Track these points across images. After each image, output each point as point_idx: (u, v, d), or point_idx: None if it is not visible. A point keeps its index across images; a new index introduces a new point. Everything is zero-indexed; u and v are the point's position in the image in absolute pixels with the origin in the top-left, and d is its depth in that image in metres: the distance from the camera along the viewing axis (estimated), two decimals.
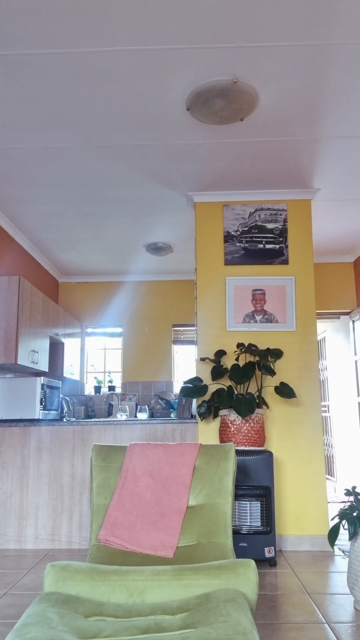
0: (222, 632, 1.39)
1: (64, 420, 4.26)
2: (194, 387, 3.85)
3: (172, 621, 1.54)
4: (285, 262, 4.22)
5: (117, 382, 6.75)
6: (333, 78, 2.88)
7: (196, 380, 3.91)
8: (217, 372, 3.84)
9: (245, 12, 2.41)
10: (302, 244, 4.24)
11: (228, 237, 4.26)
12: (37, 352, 4.89)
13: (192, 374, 6.61)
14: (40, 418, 4.67)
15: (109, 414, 6.28)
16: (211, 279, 4.23)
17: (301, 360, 4.06)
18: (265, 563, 3.44)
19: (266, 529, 3.41)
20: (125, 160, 3.76)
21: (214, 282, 4.22)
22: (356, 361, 5.98)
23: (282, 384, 3.84)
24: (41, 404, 4.70)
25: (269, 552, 3.37)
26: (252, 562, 1.79)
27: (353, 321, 6.02)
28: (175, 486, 2.41)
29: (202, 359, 4.06)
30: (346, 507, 2.62)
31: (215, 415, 3.87)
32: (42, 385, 4.73)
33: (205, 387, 3.84)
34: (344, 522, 2.73)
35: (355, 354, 5.98)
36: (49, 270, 6.33)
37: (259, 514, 3.44)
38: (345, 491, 2.68)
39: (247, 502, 3.45)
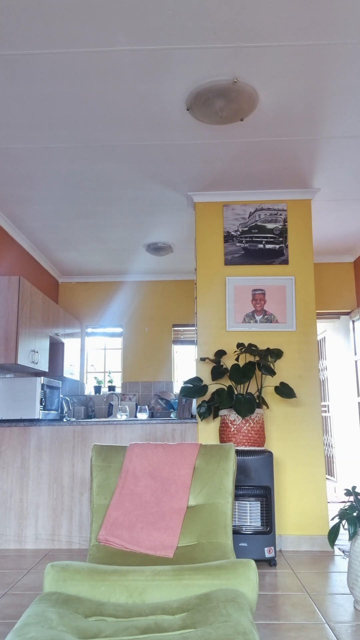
0: (222, 632, 1.39)
1: (64, 420, 4.26)
2: (194, 387, 3.85)
3: (172, 621, 1.54)
4: (285, 262, 4.22)
5: (117, 382, 6.75)
6: (333, 78, 2.88)
7: (196, 380, 3.91)
8: (217, 372, 3.83)
9: (245, 12, 2.41)
10: (302, 244, 4.24)
11: (228, 237, 4.26)
12: (37, 352, 4.89)
13: (192, 374, 6.61)
14: (40, 418, 4.67)
15: (109, 414, 6.28)
16: (211, 279, 4.23)
17: (301, 360, 4.06)
18: (265, 563, 3.44)
19: (266, 529, 3.41)
20: (125, 160, 3.76)
21: (214, 282, 4.22)
22: (356, 361, 5.98)
23: (282, 384, 3.84)
24: (41, 404, 4.70)
25: (269, 552, 3.37)
26: (252, 562, 1.79)
27: (353, 321, 6.02)
28: (175, 486, 2.41)
29: (202, 359, 4.06)
30: (346, 507, 2.62)
31: (215, 415, 3.87)
32: (42, 385, 4.73)
33: (205, 387, 3.84)
34: (344, 522, 2.73)
35: (355, 354, 5.98)
36: (49, 270, 6.33)
37: (259, 514, 3.44)
38: (345, 491, 2.68)
39: (247, 502, 3.45)
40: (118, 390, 6.68)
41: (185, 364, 6.85)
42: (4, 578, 3.18)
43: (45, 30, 2.51)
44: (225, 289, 4.20)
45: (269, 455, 3.50)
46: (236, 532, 3.41)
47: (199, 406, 3.84)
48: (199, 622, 1.49)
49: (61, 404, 5.60)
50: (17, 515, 3.92)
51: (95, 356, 6.93)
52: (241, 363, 4.06)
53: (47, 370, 5.25)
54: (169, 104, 3.10)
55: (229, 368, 3.89)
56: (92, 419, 4.63)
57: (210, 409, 3.83)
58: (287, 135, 3.46)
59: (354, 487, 2.66)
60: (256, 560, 3.48)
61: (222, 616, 1.49)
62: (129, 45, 2.61)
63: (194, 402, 4.10)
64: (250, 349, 3.86)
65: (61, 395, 5.76)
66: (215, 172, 3.96)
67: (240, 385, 3.90)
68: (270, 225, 4.26)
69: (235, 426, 3.63)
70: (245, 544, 3.38)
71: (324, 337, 6.77)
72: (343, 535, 4.07)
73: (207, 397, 4.04)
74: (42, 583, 3.08)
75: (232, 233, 4.26)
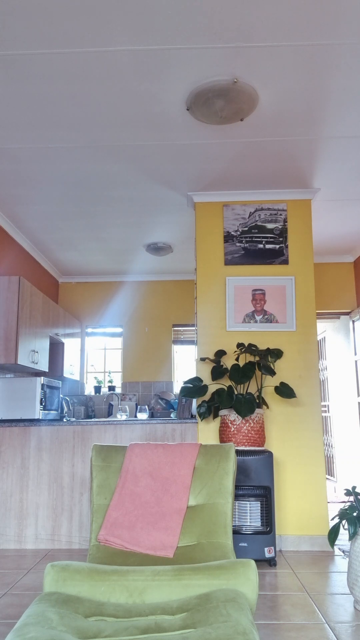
0: (222, 632, 1.39)
1: (64, 420, 4.26)
2: (194, 387, 3.85)
3: (172, 621, 1.54)
4: (285, 262, 4.22)
5: (117, 382, 6.75)
6: (333, 78, 2.88)
7: (196, 380, 3.91)
8: (217, 372, 3.83)
9: (245, 12, 2.41)
10: (302, 244, 4.24)
11: (228, 237, 4.26)
12: (37, 352, 4.89)
13: (192, 374, 6.61)
14: (40, 418, 4.67)
15: (109, 414, 6.28)
16: (211, 279, 4.23)
17: (301, 360, 4.06)
18: (265, 563, 3.44)
19: (266, 529, 3.41)
20: (125, 160, 3.76)
21: (214, 282, 4.22)
22: (356, 361, 5.98)
23: (282, 384, 3.84)
24: (41, 404, 4.70)
25: (269, 552, 3.37)
26: (252, 562, 1.79)
27: (353, 321, 6.02)
28: (175, 486, 2.41)
29: (202, 359, 4.06)
30: (346, 507, 2.62)
31: (215, 415, 3.87)
32: (42, 385, 4.73)
33: (205, 387, 3.84)
34: (344, 522, 2.73)
35: (355, 354, 5.98)
36: (49, 270, 6.33)
37: (259, 514, 3.44)
38: (345, 491, 2.68)
39: (247, 502, 3.45)
40: (118, 390, 6.68)
41: (185, 364, 6.85)
42: (4, 578, 3.18)
43: (45, 30, 2.50)
44: (225, 289, 4.19)
45: (269, 455, 3.50)
46: (236, 532, 3.41)
47: (199, 406, 3.84)
48: (199, 622, 1.49)
49: (61, 404, 5.60)
50: (17, 515, 3.92)
51: (95, 356, 6.93)
52: (241, 363, 4.06)
53: (47, 370, 5.25)
54: (169, 104, 3.10)
55: (229, 368, 3.89)
56: (92, 419, 4.63)
57: (210, 409, 3.83)
58: (287, 135, 3.46)
59: (354, 487, 2.66)
60: (256, 560, 3.48)
61: (222, 616, 1.49)
62: (129, 45, 2.61)
63: (194, 402, 4.10)
64: (250, 349, 3.86)
65: (61, 395, 5.75)
66: (215, 172, 3.96)
67: (240, 385, 3.90)
68: (270, 225, 4.26)
69: (235, 426, 3.63)
70: (245, 544, 3.38)
71: (324, 337, 6.77)
72: (343, 535, 4.07)
73: (207, 397, 4.04)
74: (42, 583, 3.08)
75: (232, 233, 4.26)
